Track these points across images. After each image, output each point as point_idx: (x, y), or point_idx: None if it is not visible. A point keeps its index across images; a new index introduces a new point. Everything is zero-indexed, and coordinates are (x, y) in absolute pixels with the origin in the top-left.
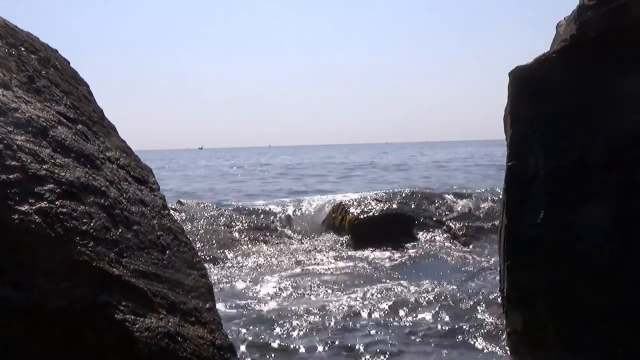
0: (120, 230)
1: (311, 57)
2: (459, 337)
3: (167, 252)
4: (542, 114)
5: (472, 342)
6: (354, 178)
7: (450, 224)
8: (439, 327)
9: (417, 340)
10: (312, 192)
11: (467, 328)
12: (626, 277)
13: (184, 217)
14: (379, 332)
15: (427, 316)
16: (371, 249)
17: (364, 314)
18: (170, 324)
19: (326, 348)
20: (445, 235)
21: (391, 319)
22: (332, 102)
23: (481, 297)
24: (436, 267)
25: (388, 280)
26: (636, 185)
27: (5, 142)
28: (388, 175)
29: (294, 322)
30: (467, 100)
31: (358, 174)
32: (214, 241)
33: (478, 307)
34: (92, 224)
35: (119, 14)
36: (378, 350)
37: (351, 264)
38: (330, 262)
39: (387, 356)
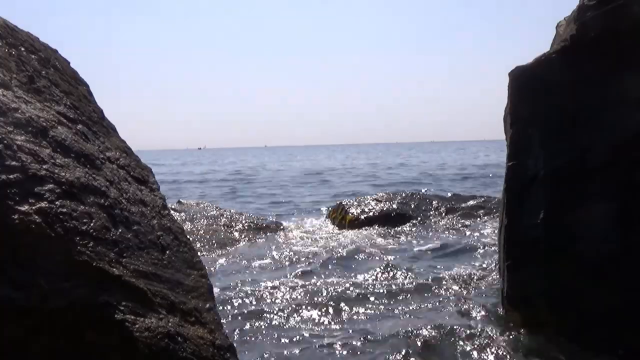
0: (120, 230)
1: (311, 56)
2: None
3: (167, 252)
4: (542, 114)
5: (466, 343)
6: None
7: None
8: (436, 325)
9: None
10: None
11: (462, 328)
12: (626, 277)
13: (184, 217)
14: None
15: (423, 315)
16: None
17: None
18: (170, 324)
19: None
20: (445, 235)
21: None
22: (333, 102)
23: (477, 297)
24: (434, 266)
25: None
26: (636, 185)
27: (5, 142)
28: None
29: (292, 325)
30: (468, 101)
31: None
32: (214, 241)
33: (473, 310)
34: (92, 224)
35: (119, 14)
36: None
37: (350, 264)
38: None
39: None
